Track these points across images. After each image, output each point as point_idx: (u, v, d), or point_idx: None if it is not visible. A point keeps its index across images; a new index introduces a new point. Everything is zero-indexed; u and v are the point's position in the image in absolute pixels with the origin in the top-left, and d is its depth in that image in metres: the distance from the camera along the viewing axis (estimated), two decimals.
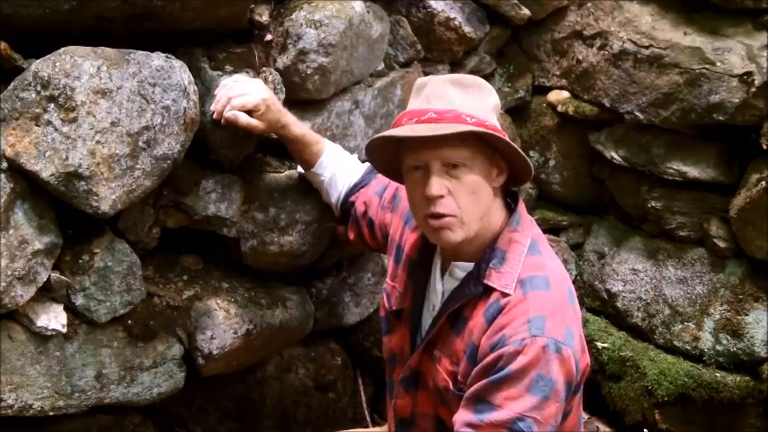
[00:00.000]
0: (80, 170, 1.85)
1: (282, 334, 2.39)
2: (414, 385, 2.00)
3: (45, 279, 1.93)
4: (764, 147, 2.62)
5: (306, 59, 2.24)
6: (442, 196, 1.79)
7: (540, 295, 1.78)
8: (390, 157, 1.94)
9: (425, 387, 1.98)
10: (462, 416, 1.76)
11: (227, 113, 2.06)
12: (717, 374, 2.79)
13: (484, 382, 1.73)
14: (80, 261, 2.00)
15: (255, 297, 2.35)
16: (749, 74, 2.60)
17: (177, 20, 2.01)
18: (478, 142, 1.79)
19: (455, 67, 2.90)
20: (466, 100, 1.82)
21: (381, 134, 1.89)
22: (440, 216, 1.80)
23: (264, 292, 2.38)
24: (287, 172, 2.34)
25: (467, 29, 2.82)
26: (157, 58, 1.94)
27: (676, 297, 2.89)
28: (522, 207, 1.93)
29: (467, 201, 1.80)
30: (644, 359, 2.89)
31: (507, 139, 1.81)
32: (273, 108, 2.11)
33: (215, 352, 2.22)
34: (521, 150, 1.84)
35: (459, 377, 1.85)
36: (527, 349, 1.70)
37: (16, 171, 1.84)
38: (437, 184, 1.78)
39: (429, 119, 1.79)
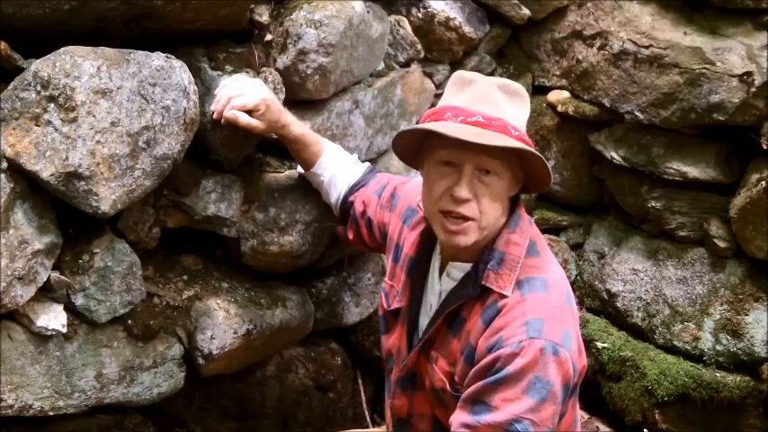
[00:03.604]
0: (80, 170, 1.85)
1: (282, 334, 2.39)
2: (410, 385, 2.00)
3: (45, 279, 1.93)
4: (764, 147, 2.62)
5: (306, 59, 2.24)
6: (469, 200, 1.79)
7: (537, 297, 1.78)
8: (416, 141, 1.91)
9: (422, 387, 1.98)
10: (459, 417, 1.76)
11: (227, 113, 2.06)
12: (717, 374, 2.79)
13: (481, 383, 1.73)
14: (80, 261, 2.00)
15: (255, 297, 2.35)
16: (749, 74, 2.60)
17: (177, 20, 2.01)
18: (512, 154, 1.80)
19: (455, 66, 2.89)
20: (511, 109, 1.83)
21: (429, 126, 1.82)
22: (462, 219, 1.80)
23: (264, 292, 2.38)
24: (287, 172, 2.34)
25: (467, 29, 2.82)
26: (157, 58, 1.94)
27: (676, 297, 2.89)
28: (521, 208, 1.93)
29: (489, 207, 1.80)
30: (644, 359, 2.89)
31: (544, 159, 1.82)
32: (273, 108, 2.11)
33: (215, 352, 2.22)
34: (549, 167, 1.84)
35: (456, 378, 1.85)
36: (524, 351, 1.70)
37: (16, 171, 1.84)
38: (467, 188, 1.78)
39: (477, 122, 1.78)
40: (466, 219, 1.80)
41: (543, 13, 3.01)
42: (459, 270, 1.90)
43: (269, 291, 2.39)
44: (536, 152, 1.80)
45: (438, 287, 1.95)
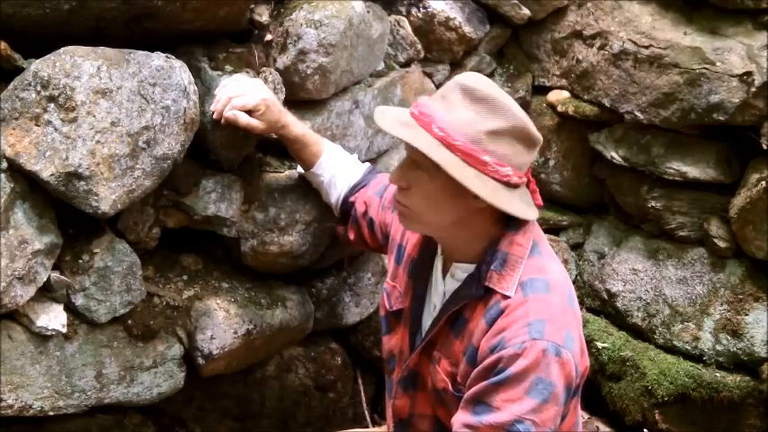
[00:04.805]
0: (80, 170, 1.85)
1: (282, 334, 2.39)
2: (412, 386, 2.00)
3: (45, 279, 1.93)
4: (764, 147, 2.62)
5: (306, 59, 2.24)
6: (401, 187, 1.82)
7: (540, 298, 1.77)
8: None
9: (424, 388, 1.98)
10: (461, 417, 1.76)
11: (228, 113, 2.06)
12: (717, 374, 2.79)
13: (483, 383, 1.73)
14: (80, 261, 2.00)
15: (255, 297, 2.35)
16: (749, 74, 2.61)
17: (177, 20, 2.01)
18: (451, 158, 1.72)
19: (455, 67, 2.90)
20: (466, 113, 1.74)
21: (377, 108, 1.91)
22: (400, 204, 1.85)
23: (264, 292, 2.38)
24: (287, 172, 2.34)
25: (467, 29, 2.82)
26: (157, 58, 1.94)
27: (676, 297, 2.89)
28: None
29: (419, 203, 1.81)
30: (644, 359, 2.89)
31: (458, 175, 1.69)
32: (273, 108, 2.11)
33: (215, 352, 2.22)
34: (465, 183, 1.70)
35: (458, 378, 1.85)
36: (527, 352, 1.69)
37: (16, 171, 1.83)
38: (398, 174, 1.83)
39: (411, 113, 1.81)
40: (400, 204, 1.84)
41: (543, 13, 3.01)
42: (462, 271, 1.89)
43: (269, 291, 2.39)
44: (435, 159, 1.69)
45: (442, 288, 1.95)
